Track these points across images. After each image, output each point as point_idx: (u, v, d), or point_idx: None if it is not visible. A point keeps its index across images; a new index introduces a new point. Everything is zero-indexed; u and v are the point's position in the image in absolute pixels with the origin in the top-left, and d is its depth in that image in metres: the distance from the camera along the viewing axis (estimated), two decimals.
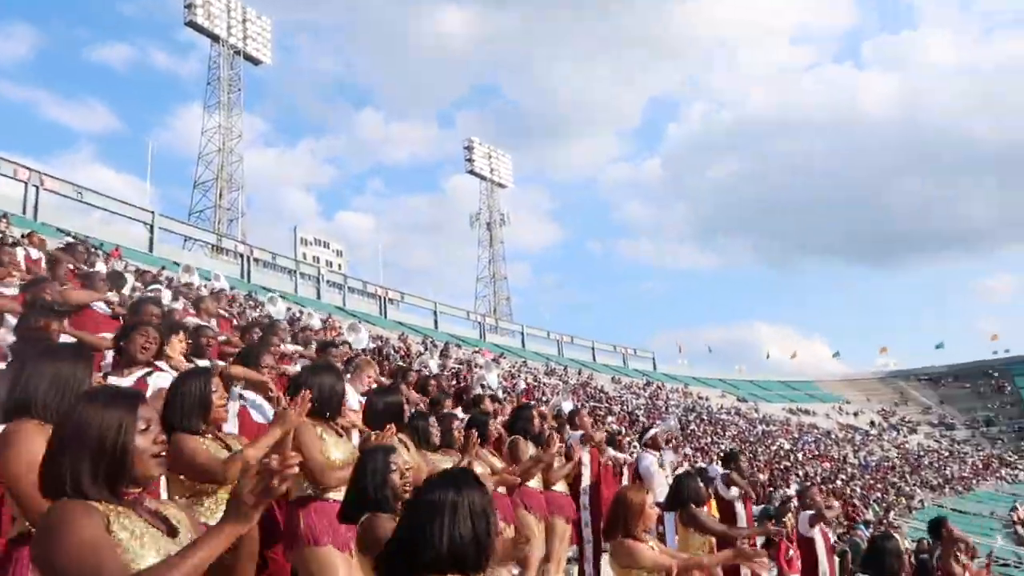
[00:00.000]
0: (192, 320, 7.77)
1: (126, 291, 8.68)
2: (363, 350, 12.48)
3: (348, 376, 6.37)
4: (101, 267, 10.71)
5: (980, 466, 59.69)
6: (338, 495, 3.46)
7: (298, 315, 21.10)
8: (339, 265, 54.06)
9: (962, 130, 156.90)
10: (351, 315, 39.11)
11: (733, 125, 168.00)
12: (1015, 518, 36.93)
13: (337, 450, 3.70)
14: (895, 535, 5.11)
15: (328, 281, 49.30)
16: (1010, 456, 65.27)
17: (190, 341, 5.40)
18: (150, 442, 1.95)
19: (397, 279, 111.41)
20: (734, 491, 6.52)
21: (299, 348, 8.88)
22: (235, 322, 10.66)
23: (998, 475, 57.94)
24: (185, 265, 17.47)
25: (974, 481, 53.71)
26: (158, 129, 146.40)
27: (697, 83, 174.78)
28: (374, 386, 6.52)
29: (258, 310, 20.34)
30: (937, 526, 6.96)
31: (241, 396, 4.97)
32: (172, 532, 1.96)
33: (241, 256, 45.00)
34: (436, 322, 53.73)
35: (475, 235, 76.61)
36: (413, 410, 5.97)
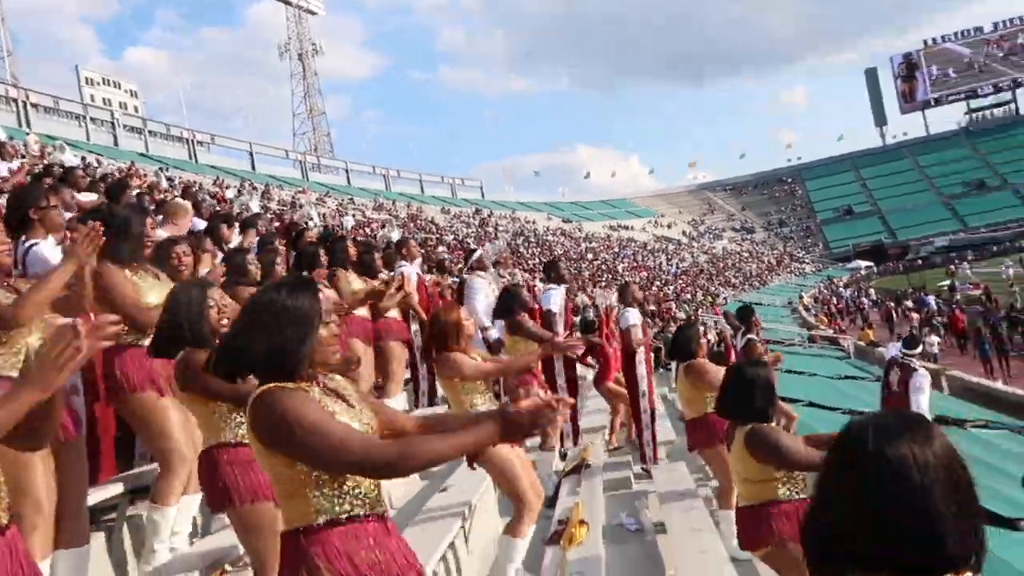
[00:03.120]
0: None
1: None
2: (174, 195, 11.64)
3: (162, 221, 5.96)
4: None
5: (774, 263, 66.83)
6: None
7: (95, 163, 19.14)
8: (135, 108, 49.10)
9: None
10: (157, 161, 36.09)
11: None
12: (801, 305, 42.14)
13: (152, 293, 3.46)
14: (695, 324, 5.69)
15: (125, 126, 44.73)
16: (799, 252, 73.39)
17: None
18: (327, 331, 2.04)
19: (204, 121, 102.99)
20: (556, 300, 6.84)
21: (94, 196, 8.11)
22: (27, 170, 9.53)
23: (789, 270, 65.25)
24: None
25: (769, 276, 60.26)
26: None
27: None
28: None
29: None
30: (746, 312, 7.82)
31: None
32: (349, 403, 2.03)
33: (15, 102, 39.53)
34: (253, 164, 50.79)
35: (286, 68, 71.50)
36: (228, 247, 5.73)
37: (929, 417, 7.40)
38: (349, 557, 1.84)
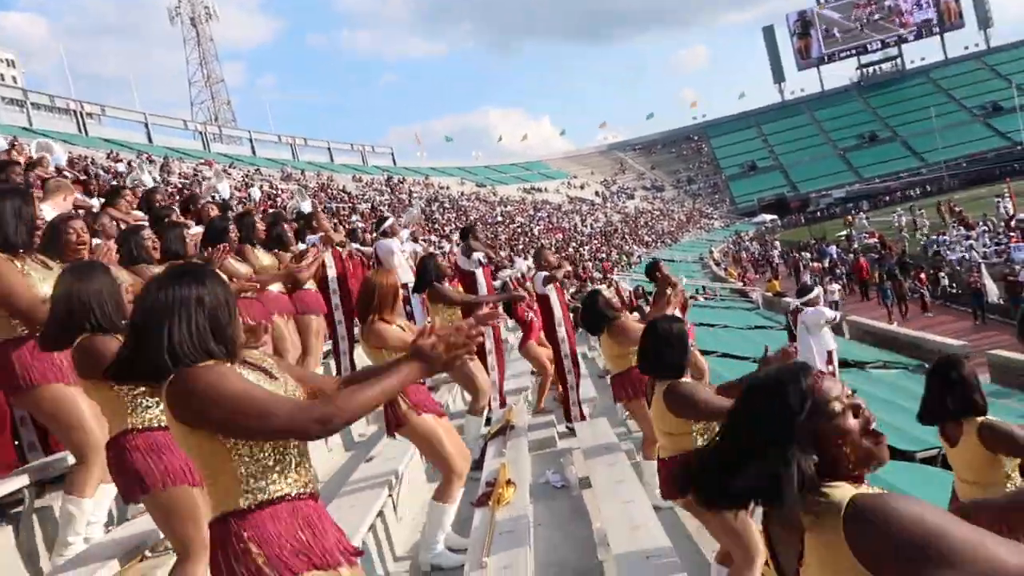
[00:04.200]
0: None
1: None
2: (59, 171, 10.98)
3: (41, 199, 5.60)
4: None
5: (684, 220, 68.55)
6: None
7: None
8: (13, 78, 45.95)
9: None
10: (42, 135, 33.95)
11: None
12: (711, 260, 43.49)
13: (46, 284, 3.26)
14: (595, 292, 5.76)
15: (4, 98, 41.77)
16: (707, 208, 75.49)
17: None
18: None
19: (92, 91, 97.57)
20: (475, 256, 6.83)
21: None
22: None
23: (699, 226, 67.09)
24: None
25: (680, 233, 61.82)
26: None
27: None
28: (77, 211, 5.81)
29: None
30: (652, 268, 7.96)
31: None
32: (272, 375, 1.98)
33: None
34: (149, 135, 48.33)
35: (179, 34, 68.16)
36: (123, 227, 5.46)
37: (831, 347, 7.74)
38: (281, 541, 1.80)
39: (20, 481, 3.37)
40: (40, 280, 3.24)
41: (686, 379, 3.41)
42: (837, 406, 1.39)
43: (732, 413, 1.46)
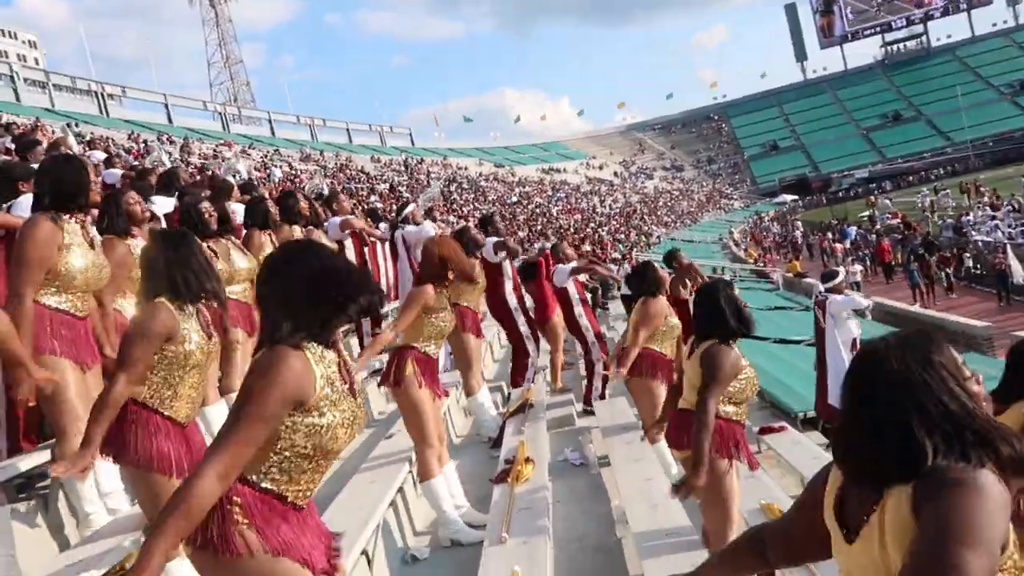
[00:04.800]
0: None
1: None
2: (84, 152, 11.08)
3: None
4: None
5: (704, 200, 68.05)
6: (65, 303, 3.17)
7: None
8: (36, 60, 46.29)
9: None
10: (65, 117, 34.22)
11: None
12: (731, 240, 43.19)
13: (79, 253, 3.25)
14: (651, 263, 5.69)
15: (26, 79, 42.08)
16: (727, 189, 74.86)
17: None
18: None
19: (112, 72, 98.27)
20: (501, 254, 6.84)
21: None
22: None
23: (719, 206, 66.58)
24: None
25: (700, 214, 61.41)
26: None
27: None
28: None
29: None
30: (671, 257, 7.89)
31: None
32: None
33: None
34: (170, 116, 48.56)
35: (197, 15, 68.25)
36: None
37: (855, 335, 7.61)
38: (267, 524, 1.82)
39: (44, 456, 3.43)
40: (77, 246, 3.23)
41: (731, 347, 3.40)
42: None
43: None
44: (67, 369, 3.15)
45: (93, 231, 3.42)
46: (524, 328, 6.88)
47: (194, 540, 1.80)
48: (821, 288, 8.13)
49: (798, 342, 11.95)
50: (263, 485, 1.83)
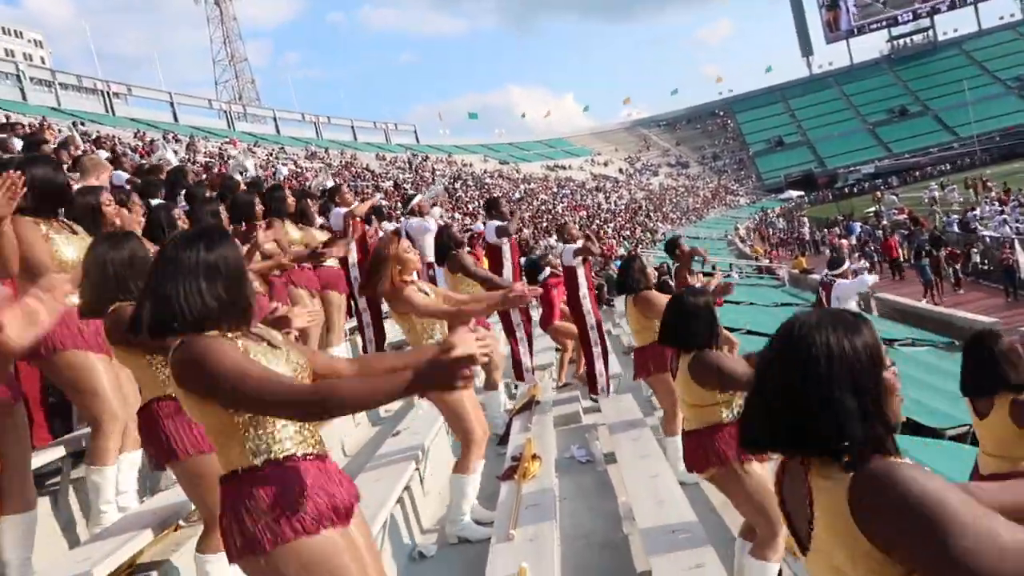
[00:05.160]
0: None
1: None
2: (91, 151, 11.11)
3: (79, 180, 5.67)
4: None
5: (710, 197, 67.90)
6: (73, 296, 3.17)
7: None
8: (41, 58, 46.41)
9: None
10: (71, 116, 34.33)
11: None
12: (737, 237, 43.09)
13: (70, 248, 3.29)
14: (638, 255, 5.74)
15: (32, 78, 42.20)
16: (733, 185, 74.68)
17: None
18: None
19: (118, 70, 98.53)
20: (492, 224, 6.83)
21: None
22: None
23: (724, 203, 66.43)
24: None
25: (705, 210, 61.27)
26: None
27: None
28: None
29: None
30: (672, 245, 7.88)
31: None
32: (273, 346, 1.98)
33: None
34: (175, 114, 48.70)
35: (202, 12, 68.31)
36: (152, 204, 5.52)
37: None
38: (287, 492, 1.83)
39: (56, 452, 3.45)
40: (63, 244, 3.27)
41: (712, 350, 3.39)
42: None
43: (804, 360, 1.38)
44: (96, 362, 3.18)
45: (69, 222, 3.44)
46: (515, 316, 6.81)
47: (231, 553, 1.84)
48: (827, 273, 8.13)
49: None
50: (262, 460, 1.85)
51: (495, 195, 37.37)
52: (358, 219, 7.09)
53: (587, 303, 6.90)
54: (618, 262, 22.18)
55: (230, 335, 1.90)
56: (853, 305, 7.81)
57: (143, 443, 2.83)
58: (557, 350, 8.50)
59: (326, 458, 1.98)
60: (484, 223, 6.97)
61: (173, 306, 1.85)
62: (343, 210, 7.33)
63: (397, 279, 3.95)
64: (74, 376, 3.21)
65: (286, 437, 1.89)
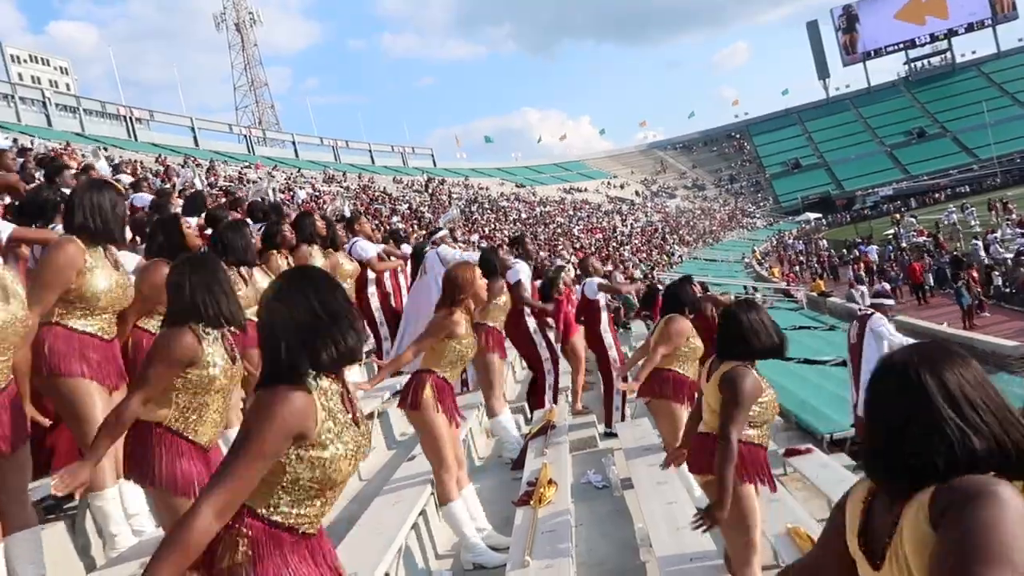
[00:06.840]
0: None
1: None
2: (116, 178, 11.28)
3: None
4: None
5: (726, 219, 67.70)
6: (91, 325, 3.20)
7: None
8: (67, 85, 47.39)
9: None
10: (94, 141, 34.88)
11: None
12: (754, 260, 42.89)
13: (102, 276, 3.25)
14: (688, 278, 5.64)
15: (57, 105, 43.02)
16: (750, 207, 74.45)
17: None
18: None
19: (140, 96, 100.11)
20: (512, 264, 6.88)
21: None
22: None
23: (741, 225, 66.21)
24: None
25: (722, 233, 61.08)
26: None
27: None
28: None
29: None
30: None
31: None
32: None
33: None
34: (196, 139, 49.44)
35: (224, 39, 69.46)
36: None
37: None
38: (272, 560, 1.82)
39: None
40: (99, 270, 3.21)
41: (749, 370, 3.36)
42: None
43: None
44: (94, 391, 3.18)
45: (115, 252, 3.42)
46: (544, 351, 6.86)
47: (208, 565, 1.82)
48: (868, 303, 8.00)
49: (824, 362, 11.80)
50: (273, 518, 1.84)
51: (519, 228, 37.50)
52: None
53: (608, 337, 6.96)
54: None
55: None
56: (885, 342, 7.61)
57: (125, 453, 2.81)
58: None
59: (321, 534, 1.98)
60: (513, 261, 6.99)
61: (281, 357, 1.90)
62: (366, 243, 7.38)
63: (456, 303, 4.23)
64: (70, 401, 3.19)
65: (305, 514, 1.89)
